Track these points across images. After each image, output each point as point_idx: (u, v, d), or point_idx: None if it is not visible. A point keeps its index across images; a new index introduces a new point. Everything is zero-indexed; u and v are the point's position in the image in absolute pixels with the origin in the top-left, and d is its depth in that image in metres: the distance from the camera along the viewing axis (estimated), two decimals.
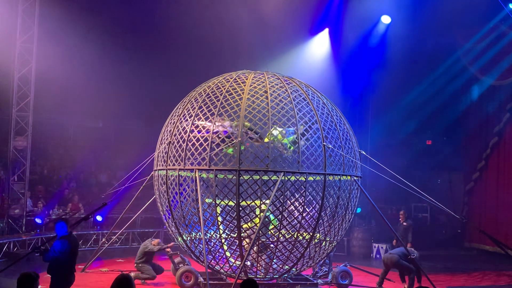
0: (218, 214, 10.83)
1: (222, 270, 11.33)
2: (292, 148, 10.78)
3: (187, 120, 10.99)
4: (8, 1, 16.29)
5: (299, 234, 10.82)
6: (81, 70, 19.24)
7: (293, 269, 11.31)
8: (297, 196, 10.97)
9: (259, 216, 10.62)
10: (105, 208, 9.68)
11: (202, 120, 10.82)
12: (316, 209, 10.84)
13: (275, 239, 10.81)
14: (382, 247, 17.37)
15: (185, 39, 19.98)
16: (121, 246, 17.84)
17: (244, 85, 11.02)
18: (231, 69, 12.17)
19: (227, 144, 10.57)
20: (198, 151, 10.62)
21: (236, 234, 10.74)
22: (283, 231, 10.89)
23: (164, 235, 18.27)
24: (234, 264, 11.15)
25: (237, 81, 11.22)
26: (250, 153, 10.90)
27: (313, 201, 10.91)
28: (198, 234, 11.02)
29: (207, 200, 11.24)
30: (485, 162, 19.37)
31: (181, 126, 11.01)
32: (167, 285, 12.25)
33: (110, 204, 12.39)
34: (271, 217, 11.09)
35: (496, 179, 18.94)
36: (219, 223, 10.82)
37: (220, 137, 10.65)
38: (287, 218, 10.90)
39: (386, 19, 19.90)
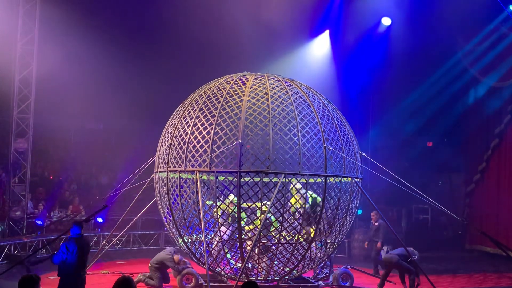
0: (218, 216, 10.83)
1: (223, 272, 11.33)
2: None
3: (187, 122, 11.00)
4: (9, 3, 16.31)
5: (300, 236, 10.82)
6: (82, 72, 19.24)
7: (294, 271, 11.30)
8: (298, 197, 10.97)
9: (260, 218, 10.62)
10: (105, 210, 9.74)
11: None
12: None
13: (276, 241, 10.82)
14: (383, 249, 17.33)
15: (186, 41, 19.97)
16: (122, 248, 17.83)
17: (245, 87, 11.03)
18: (231, 71, 12.18)
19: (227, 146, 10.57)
20: (199, 153, 10.63)
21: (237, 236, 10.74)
22: (284, 233, 10.90)
23: (165, 237, 18.31)
24: (235, 266, 11.15)
25: (238, 83, 11.23)
26: (251, 155, 10.91)
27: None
28: (199, 236, 11.02)
29: (208, 202, 11.24)
30: (486, 164, 19.34)
31: (182, 128, 11.02)
32: (168, 287, 12.24)
33: (110, 206, 12.41)
34: (272, 218, 11.09)
35: (497, 181, 18.91)
36: (220, 225, 10.81)
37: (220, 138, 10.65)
38: (288, 219, 10.90)
39: (386, 21, 19.91)
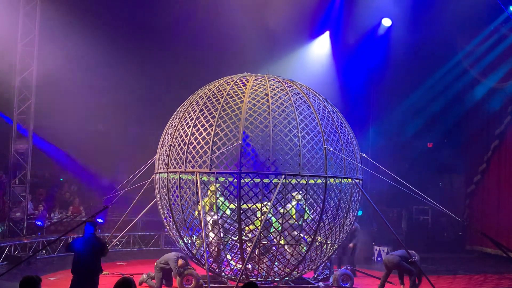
0: (219, 217, 10.83)
1: (223, 273, 11.33)
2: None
3: (188, 123, 11.01)
4: (9, 4, 16.31)
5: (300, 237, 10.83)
6: (82, 73, 19.24)
7: (294, 272, 11.30)
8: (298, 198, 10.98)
9: (260, 219, 10.62)
10: (106, 211, 9.82)
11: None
12: (317, 212, 10.84)
13: (276, 242, 10.81)
14: (383, 250, 17.34)
15: (186, 43, 19.98)
16: (122, 249, 17.83)
17: (245, 88, 11.04)
18: (232, 72, 12.19)
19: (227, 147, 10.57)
20: (199, 154, 10.63)
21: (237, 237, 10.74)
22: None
23: (165, 238, 18.30)
24: (235, 267, 11.15)
25: (238, 84, 11.24)
26: (251, 156, 10.91)
27: (314, 204, 10.92)
28: (199, 237, 11.02)
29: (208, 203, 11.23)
30: (487, 165, 19.34)
31: (182, 129, 11.02)
32: None
33: (110, 207, 12.40)
34: (273, 219, 11.09)
35: (498, 182, 18.92)
36: (220, 226, 10.82)
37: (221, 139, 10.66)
38: (288, 221, 10.90)
39: (387, 22, 19.91)
